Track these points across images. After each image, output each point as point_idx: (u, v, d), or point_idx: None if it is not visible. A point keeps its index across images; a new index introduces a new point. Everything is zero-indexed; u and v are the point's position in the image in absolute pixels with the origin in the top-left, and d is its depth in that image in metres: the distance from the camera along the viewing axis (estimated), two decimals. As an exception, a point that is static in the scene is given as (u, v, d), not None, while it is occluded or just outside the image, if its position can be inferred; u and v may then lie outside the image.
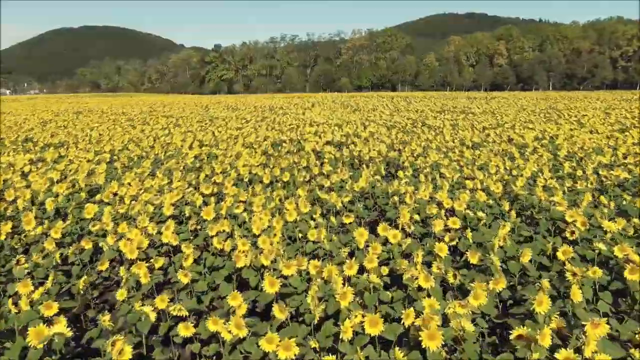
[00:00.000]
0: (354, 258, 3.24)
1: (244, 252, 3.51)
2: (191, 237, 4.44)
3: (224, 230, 4.16)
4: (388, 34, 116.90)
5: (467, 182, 5.53)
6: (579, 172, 6.28)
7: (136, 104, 36.35)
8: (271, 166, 7.22)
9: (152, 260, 3.61)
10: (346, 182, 6.08)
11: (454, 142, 9.99)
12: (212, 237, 4.09)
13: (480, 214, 4.08)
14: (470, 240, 3.67)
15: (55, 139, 11.64)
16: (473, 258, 3.29)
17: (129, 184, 6.15)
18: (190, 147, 9.62)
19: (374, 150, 8.77)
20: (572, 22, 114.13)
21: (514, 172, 6.55)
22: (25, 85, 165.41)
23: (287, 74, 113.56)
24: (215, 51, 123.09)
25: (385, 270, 3.28)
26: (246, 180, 6.39)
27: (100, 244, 4.04)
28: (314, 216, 4.56)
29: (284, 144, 9.90)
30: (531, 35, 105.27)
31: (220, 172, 6.93)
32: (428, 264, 3.46)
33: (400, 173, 6.56)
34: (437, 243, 3.41)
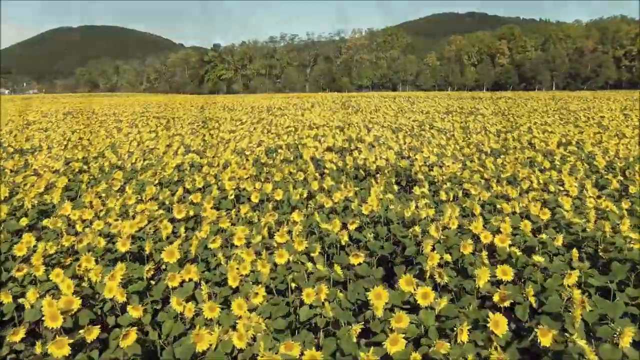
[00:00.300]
0: (369, 332, 2.17)
1: (207, 324, 2.44)
2: (153, 283, 3.37)
3: (190, 279, 3.09)
4: (388, 34, 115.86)
5: (504, 205, 4.45)
6: (633, 190, 5.21)
7: (130, 104, 35.21)
8: (262, 180, 6.14)
9: (82, 331, 2.55)
10: (352, 201, 5.00)
11: (469, 147, 8.91)
12: (173, 289, 3.03)
13: (538, 258, 3.01)
14: (533, 302, 2.59)
15: (29, 143, 10.57)
16: (545, 339, 2.22)
17: (91, 203, 5.08)
18: (175, 154, 8.54)
19: (381, 158, 7.69)
20: (575, 21, 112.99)
21: (551, 188, 5.48)
22: (25, 85, 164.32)
23: (287, 74, 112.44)
24: (214, 50, 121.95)
25: (417, 357, 2.22)
26: (231, 198, 5.31)
27: (20, 301, 2.97)
28: (312, 254, 3.49)
29: (279, 150, 8.82)
30: (533, 34, 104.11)
31: (203, 186, 5.88)
32: (474, 343, 2.41)
33: (416, 189, 5.48)
34: (490, 314, 2.34)
